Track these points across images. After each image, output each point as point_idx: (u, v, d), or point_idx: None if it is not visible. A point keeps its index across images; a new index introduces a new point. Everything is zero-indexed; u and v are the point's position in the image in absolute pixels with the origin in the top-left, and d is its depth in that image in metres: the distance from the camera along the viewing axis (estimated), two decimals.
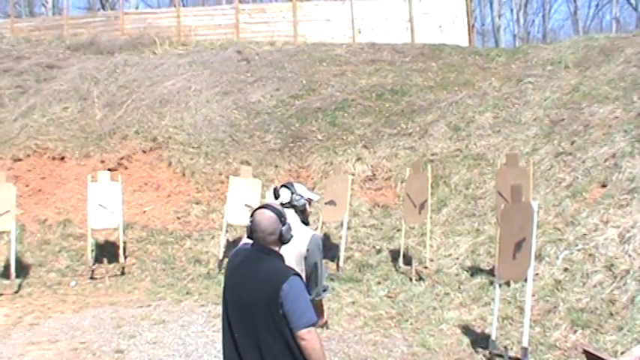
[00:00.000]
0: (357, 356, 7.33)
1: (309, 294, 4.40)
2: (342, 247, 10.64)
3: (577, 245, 8.64)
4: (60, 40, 20.90)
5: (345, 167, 12.74)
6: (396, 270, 10.23)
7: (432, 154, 12.81)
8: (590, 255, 8.32)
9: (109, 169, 12.76)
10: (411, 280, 9.74)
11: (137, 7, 29.33)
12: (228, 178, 12.04)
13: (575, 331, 7.12)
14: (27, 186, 13.15)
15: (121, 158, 13.90)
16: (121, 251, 11.15)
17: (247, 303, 3.69)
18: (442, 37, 19.93)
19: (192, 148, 14.16)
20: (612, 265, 7.90)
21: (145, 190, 13.31)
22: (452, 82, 15.75)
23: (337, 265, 10.59)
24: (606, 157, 10.43)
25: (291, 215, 4.61)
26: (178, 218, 12.61)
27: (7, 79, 17.07)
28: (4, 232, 10.77)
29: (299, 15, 21.21)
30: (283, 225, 3.82)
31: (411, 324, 8.28)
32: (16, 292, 10.26)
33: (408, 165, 11.82)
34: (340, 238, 10.83)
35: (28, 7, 39.40)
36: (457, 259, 10.01)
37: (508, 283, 8.44)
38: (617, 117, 11.55)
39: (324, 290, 4.87)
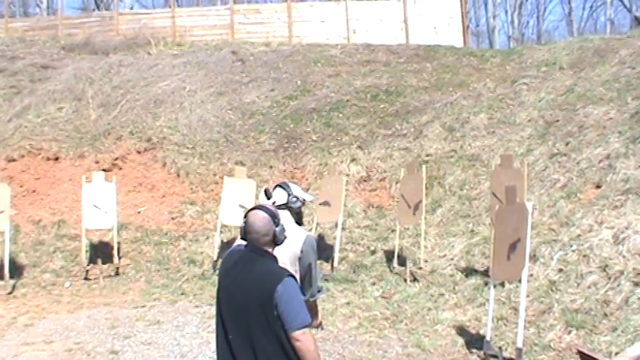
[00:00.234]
0: (351, 357, 7.33)
1: (304, 295, 4.40)
2: (337, 248, 10.64)
3: (571, 246, 8.66)
4: (54, 41, 20.82)
5: (340, 168, 12.75)
6: (391, 271, 10.23)
7: (427, 155, 12.82)
8: (584, 256, 8.33)
9: (104, 170, 12.74)
10: (405, 280, 9.75)
11: (132, 8, 29.30)
12: (222, 178, 12.02)
13: (570, 332, 7.13)
14: (21, 186, 13.12)
15: (116, 159, 13.87)
16: (115, 252, 11.13)
17: (241, 304, 3.69)
18: (437, 38, 19.95)
19: (187, 148, 14.15)
20: (607, 265, 7.91)
21: (139, 190, 13.29)
22: (446, 83, 15.76)
23: (332, 265, 10.59)
24: (601, 158, 10.45)
25: (285, 216, 4.61)
26: (173, 219, 12.59)
27: (1, 79, 17.01)
28: None
29: (294, 16, 21.21)
30: (277, 226, 3.82)
31: (406, 325, 8.29)
32: (10, 293, 10.23)
33: (403, 166, 11.83)
34: (335, 238, 10.83)
35: (23, 7, 39.26)
36: (452, 259, 10.02)
37: (503, 284, 8.44)
38: (611, 118, 11.58)
39: (319, 291, 4.86)
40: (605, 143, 10.75)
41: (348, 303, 9.21)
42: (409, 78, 16.18)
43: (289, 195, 4.77)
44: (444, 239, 10.65)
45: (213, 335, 3.91)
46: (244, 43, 20.02)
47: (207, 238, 11.92)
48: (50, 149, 14.11)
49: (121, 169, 13.65)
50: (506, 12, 40.86)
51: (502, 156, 10.09)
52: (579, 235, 8.81)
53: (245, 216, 3.88)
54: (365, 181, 12.85)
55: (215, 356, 3.93)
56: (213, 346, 3.92)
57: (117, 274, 11.16)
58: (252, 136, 14.47)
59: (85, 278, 11.04)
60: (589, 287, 7.78)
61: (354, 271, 10.52)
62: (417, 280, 9.69)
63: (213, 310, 3.94)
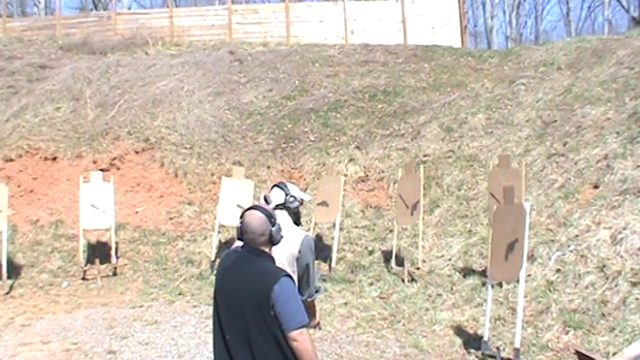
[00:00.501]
0: (349, 357, 7.32)
1: (301, 295, 4.39)
2: (335, 248, 10.64)
3: (569, 246, 8.66)
4: (52, 40, 20.83)
5: (338, 168, 12.76)
6: (389, 271, 10.23)
7: (425, 155, 12.83)
8: (582, 256, 8.33)
9: (101, 170, 12.72)
10: (403, 281, 9.75)
11: (130, 8, 29.26)
12: (220, 178, 12.02)
13: (568, 332, 7.13)
14: (19, 186, 13.11)
15: (114, 159, 13.87)
16: (113, 252, 11.12)
17: (238, 304, 3.68)
18: (435, 39, 19.96)
19: (185, 148, 14.14)
20: (604, 266, 7.92)
21: (137, 190, 13.29)
22: (444, 84, 15.77)
23: (329, 266, 10.59)
24: (598, 158, 10.45)
25: (283, 216, 4.61)
26: (171, 219, 12.59)
27: None
28: None
29: (292, 16, 21.21)
30: (273, 226, 3.81)
31: (404, 325, 8.29)
32: (8, 293, 10.22)
33: (401, 166, 11.82)
34: (332, 239, 10.83)
35: (21, 7, 39.27)
36: (449, 260, 10.03)
37: (500, 284, 8.45)
38: (609, 118, 11.58)
39: (317, 291, 4.86)
40: (602, 143, 10.75)
41: (345, 303, 9.21)
42: (407, 78, 16.19)
43: (287, 195, 4.76)
44: (441, 239, 10.65)
45: (211, 335, 3.90)
46: (242, 43, 20.04)
47: (205, 238, 11.92)
48: (48, 149, 14.10)
49: (118, 169, 13.64)
50: (504, 12, 40.95)
51: (500, 156, 10.09)
52: (577, 236, 8.81)
53: (241, 216, 3.87)
54: (363, 181, 12.85)
55: (213, 356, 3.92)
56: (211, 347, 3.91)
57: (115, 274, 11.15)
58: (250, 136, 14.46)
59: (83, 278, 11.03)
60: (587, 287, 7.78)
61: (352, 272, 10.52)
62: (415, 281, 9.69)
63: (211, 310, 3.94)
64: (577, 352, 5.42)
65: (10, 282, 10.52)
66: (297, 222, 4.81)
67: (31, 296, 10.19)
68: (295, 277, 4.43)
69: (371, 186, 12.73)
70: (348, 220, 11.82)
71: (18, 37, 21.05)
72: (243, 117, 15.19)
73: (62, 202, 12.93)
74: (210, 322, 3.96)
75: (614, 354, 6.25)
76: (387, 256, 10.57)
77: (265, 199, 4.76)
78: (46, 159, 13.93)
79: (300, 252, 4.52)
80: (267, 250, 3.83)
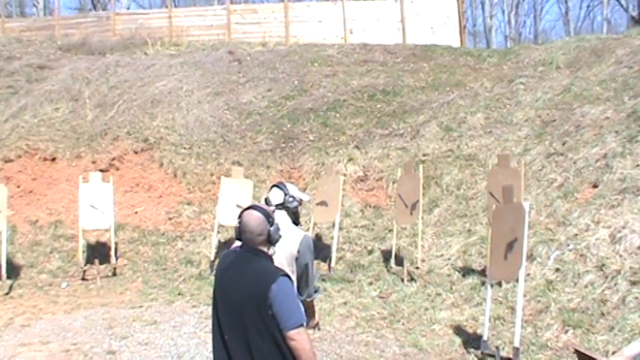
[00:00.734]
0: (349, 357, 7.32)
1: (300, 295, 4.40)
2: (334, 248, 10.64)
3: (568, 245, 8.66)
4: (51, 41, 20.83)
5: (337, 168, 12.75)
6: (388, 270, 10.23)
7: (424, 155, 12.82)
8: (581, 255, 8.34)
9: (101, 170, 12.73)
10: (402, 280, 9.75)
11: (129, 8, 29.30)
12: (219, 178, 12.02)
13: (567, 331, 7.13)
14: (18, 187, 13.11)
15: (113, 159, 13.87)
16: (112, 252, 11.12)
17: (237, 304, 3.69)
18: (434, 38, 19.96)
19: (184, 148, 14.14)
20: (603, 265, 7.92)
21: (136, 190, 13.29)
22: (443, 83, 15.78)
23: (329, 265, 10.59)
24: (597, 157, 10.45)
25: (282, 216, 4.61)
26: (170, 219, 12.59)
27: None
28: None
29: (290, 16, 21.20)
30: (271, 225, 3.81)
31: (403, 324, 8.28)
32: (7, 294, 10.21)
33: (400, 165, 11.82)
34: (332, 238, 10.83)
35: (19, 8, 39.27)
36: (449, 259, 10.02)
37: (500, 284, 8.45)
38: (608, 117, 11.59)
39: (316, 291, 4.86)
40: (601, 143, 10.75)
41: (345, 303, 9.21)
42: (406, 78, 16.19)
43: (286, 195, 4.76)
44: (441, 239, 10.65)
45: (210, 335, 3.90)
46: (241, 43, 20.04)
47: (205, 238, 11.92)
48: (47, 149, 14.10)
49: (118, 169, 13.65)
50: (503, 12, 40.95)
51: (499, 155, 10.09)
52: (576, 235, 8.82)
53: (239, 216, 3.87)
54: (362, 180, 12.85)
55: (212, 356, 3.92)
56: (211, 346, 3.91)
57: (114, 274, 11.15)
58: (249, 136, 14.46)
59: (82, 279, 11.02)
60: (586, 286, 7.78)
61: (352, 271, 10.52)
62: (414, 280, 9.69)
63: (210, 310, 3.94)
64: (576, 351, 5.41)
65: (9, 282, 10.51)
66: (296, 222, 4.81)
67: (30, 297, 10.18)
68: (294, 277, 4.43)
69: (370, 185, 12.73)
70: (347, 219, 11.82)
71: (17, 37, 21.05)
72: (243, 117, 15.19)
73: (61, 202, 12.93)
74: (210, 322, 3.96)
75: (613, 353, 6.25)
76: (386, 255, 10.57)
77: (266, 201, 4.76)
78: (45, 159, 13.93)
79: (299, 252, 4.52)
80: (265, 249, 3.83)
